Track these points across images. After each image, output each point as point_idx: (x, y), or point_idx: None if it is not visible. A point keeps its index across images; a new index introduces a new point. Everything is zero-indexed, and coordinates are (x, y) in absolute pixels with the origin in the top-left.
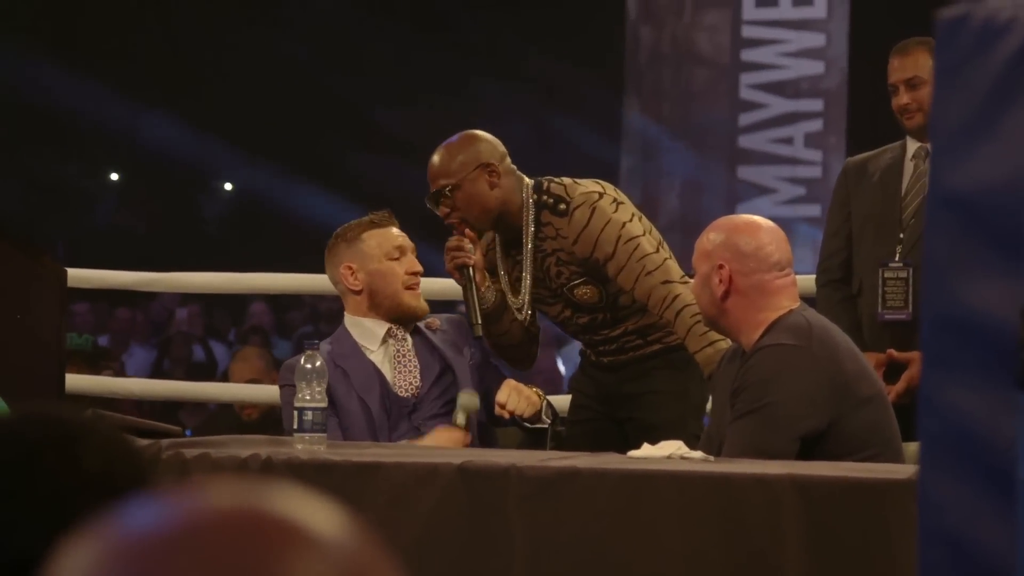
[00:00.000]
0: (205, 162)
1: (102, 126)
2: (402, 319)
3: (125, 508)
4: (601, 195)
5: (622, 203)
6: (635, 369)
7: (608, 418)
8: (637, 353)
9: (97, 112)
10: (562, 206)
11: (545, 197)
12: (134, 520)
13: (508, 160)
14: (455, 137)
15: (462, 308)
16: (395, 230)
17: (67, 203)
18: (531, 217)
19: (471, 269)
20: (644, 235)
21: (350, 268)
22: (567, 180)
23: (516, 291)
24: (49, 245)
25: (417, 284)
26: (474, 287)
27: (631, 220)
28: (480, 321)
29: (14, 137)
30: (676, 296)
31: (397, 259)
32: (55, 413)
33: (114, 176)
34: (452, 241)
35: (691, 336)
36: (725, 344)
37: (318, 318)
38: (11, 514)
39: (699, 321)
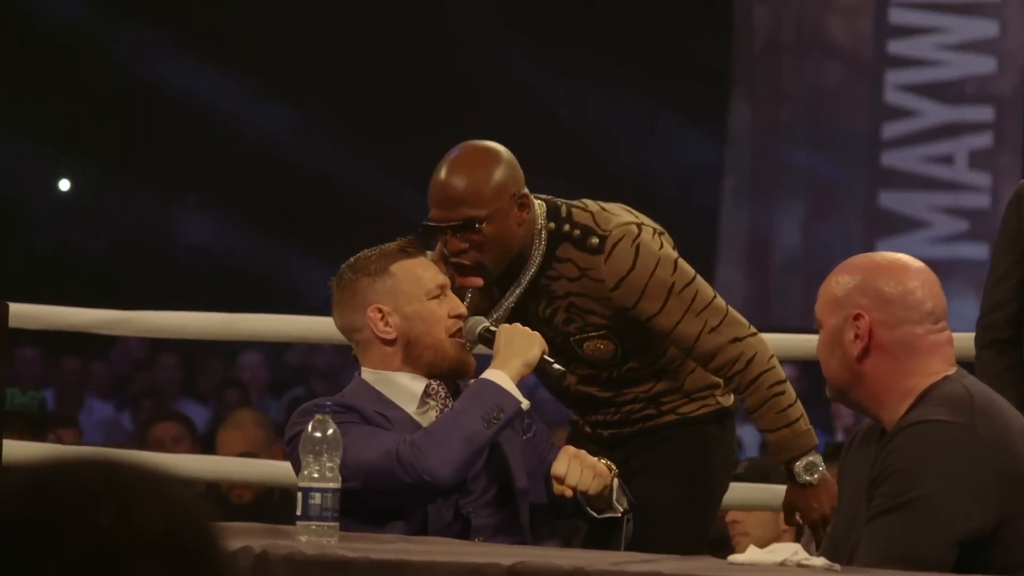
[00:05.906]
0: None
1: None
2: (445, 376)
3: None
4: (640, 227)
5: (662, 233)
6: (642, 442)
7: None
8: (647, 425)
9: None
10: (594, 240)
11: (567, 227)
12: None
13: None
14: (474, 151)
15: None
16: (429, 261)
17: (2, 217)
18: (541, 248)
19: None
20: (697, 277)
21: (380, 311)
22: (592, 205)
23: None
24: None
25: (460, 331)
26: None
27: (679, 258)
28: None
29: None
30: (751, 358)
31: (438, 298)
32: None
33: (64, 184)
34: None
35: (765, 412)
36: (806, 427)
37: (308, 375)
38: (44, 570)
39: (780, 394)
